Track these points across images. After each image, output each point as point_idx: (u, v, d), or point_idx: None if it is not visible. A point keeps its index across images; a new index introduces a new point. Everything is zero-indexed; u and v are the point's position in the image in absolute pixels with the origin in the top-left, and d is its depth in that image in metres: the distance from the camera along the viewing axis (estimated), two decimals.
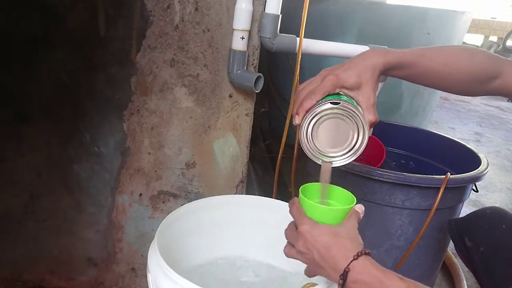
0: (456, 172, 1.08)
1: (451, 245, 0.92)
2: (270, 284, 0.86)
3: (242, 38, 0.90)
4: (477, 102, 4.37)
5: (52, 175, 1.05)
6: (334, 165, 0.60)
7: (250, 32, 0.91)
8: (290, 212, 0.60)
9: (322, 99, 0.59)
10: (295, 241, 0.58)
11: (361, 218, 0.59)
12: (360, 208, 0.59)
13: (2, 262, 1.11)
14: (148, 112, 0.99)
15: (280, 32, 0.95)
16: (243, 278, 0.86)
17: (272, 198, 0.94)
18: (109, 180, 1.05)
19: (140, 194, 1.06)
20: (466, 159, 1.21)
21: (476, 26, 5.66)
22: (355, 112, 0.56)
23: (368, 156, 1.27)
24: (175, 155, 1.02)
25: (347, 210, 0.58)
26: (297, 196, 0.60)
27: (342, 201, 0.62)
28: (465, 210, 1.29)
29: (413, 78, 0.69)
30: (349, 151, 0.59)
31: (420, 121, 2.25)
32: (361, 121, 0.57)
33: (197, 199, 0.88)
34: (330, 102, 0.57)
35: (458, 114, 3.80)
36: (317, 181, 0.62)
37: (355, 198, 0.60)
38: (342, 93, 0.61)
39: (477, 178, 1.05)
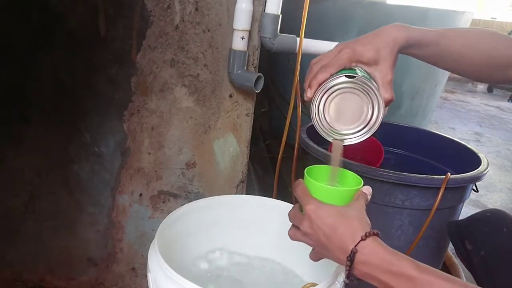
0: (456, 172, 1.08)
1: (451, 245, 0.91)
2: (270, 283, 0.86)
3: (242, 38, 0.90)
4: (477, 102, 4.37)
5: (52, 175, 1.05)
6: (345, 143, 0.57)
7: (250, 32, 0.91)
8: (295, 192, 0.57)
9: (337, 73, 0.56)
10: (300, 222, 0.55)
11: (369, 200, 0.57)
12: (367, 189, 0.57)
13: (2, 262, 1.11)
14: (148, 112, 0.99)
15: (280, 32, 0.95)
16: (243, 277, 0.86)
17: (272, 198, 0.94)
18: (109, 180, 1.05)
19: (140, 194, 1.06)
20: (466, 159, 1.20)
21: (476, 26, 5.66)
22: (371, 87, 0.53)
23: (367, 156, 1.27)
24: (175, 155, 1.02)
25: (354, 191, 0.56)
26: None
27: (349, 183, 0.60)
28: (465, 210, 1.29)
29: (431, 58, 0.65)
30: (362, 128, 0.56)
31: (420, 121, 2.25)
32: (377, 97, 0.54)
33: (197, 199, 0.88)
34: (345, 76, 0.54)
35: (458, 114, 3.80)
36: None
37: (362, 180, 0.58)
38: (358, 68, 0.58)
39: (477, 178, 1.05)
